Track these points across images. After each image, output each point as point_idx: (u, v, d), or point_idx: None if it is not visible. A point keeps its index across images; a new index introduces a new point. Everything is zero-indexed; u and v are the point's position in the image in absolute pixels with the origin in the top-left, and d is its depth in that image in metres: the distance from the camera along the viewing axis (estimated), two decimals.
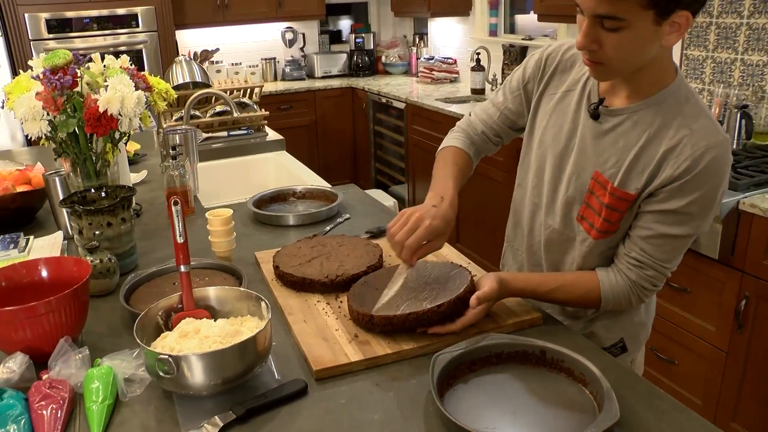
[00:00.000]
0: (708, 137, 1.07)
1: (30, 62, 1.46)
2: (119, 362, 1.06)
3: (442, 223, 1.17)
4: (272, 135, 2.99)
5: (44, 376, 1.05)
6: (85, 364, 1.07)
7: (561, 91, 1.26)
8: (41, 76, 1.39)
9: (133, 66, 1.57)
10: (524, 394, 1.02)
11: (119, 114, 1.42)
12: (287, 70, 5.22)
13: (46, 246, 1.63)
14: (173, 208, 1.15)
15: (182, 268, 1.14)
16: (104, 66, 1.55)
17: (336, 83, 5.06)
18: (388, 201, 4.15)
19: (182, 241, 1.15)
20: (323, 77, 5.28)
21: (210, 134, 2.85)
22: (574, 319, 1.33)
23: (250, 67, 5.15)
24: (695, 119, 1.09)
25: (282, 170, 2.71)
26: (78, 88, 1.45)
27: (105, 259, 1.38)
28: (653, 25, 1.00)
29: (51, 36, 3.99)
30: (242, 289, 1.16)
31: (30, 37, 3.90)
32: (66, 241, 1.67)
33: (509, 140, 1.45)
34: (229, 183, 2.73)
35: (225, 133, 2.87)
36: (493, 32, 4.22)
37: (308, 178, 2.42)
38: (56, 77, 1.38)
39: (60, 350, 1.05)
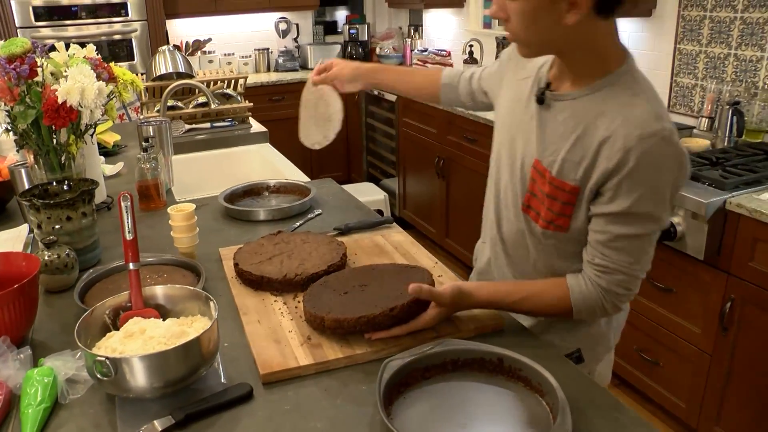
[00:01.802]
0: (642, 126, 1.01)
1: None
2: (62, 363, 1.03)
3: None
4: (256, 127, 2.95)
5: None
6: (25, 365, 1.03)
7: (519, 79, 1.24)
8: None
9: (98, 56, 1.53)
10: (478, 404, 0.98)
11: (80, 105, 1.38)
12: (280, 61, 5.17)
13: (9, 239, 1.60)
14: (122, 204, 1.12)
15: (131, 266, 1.11)
16: (69, 56, 1.50)
17: None
18: (379, 195, 4.11)
19: (131, 237, 1.11)
20: None
21: (193, 125, 2.81)
22: (527, 319, 1.28)
23: (242, 57, 5.10)
24: (633, 107, 1.04)
25: (265, 163, 2.67)
26: (39, 78, 1.41)
27: (63, 254, 1.34)
28: None
29: (39, 24, 3.94)
30: (191, 288, 1.12)
31: (17, 25, 3.85)
32: (32, 235, 1.63)
33: (476, 106, 1.50)
34: (212, 175, 2.70)
35: (208, 125, 2.83)
36: (487, 24, 4.17)
37: (289, 172, 2.38)
38: (12, 66, 1.34)
39: None
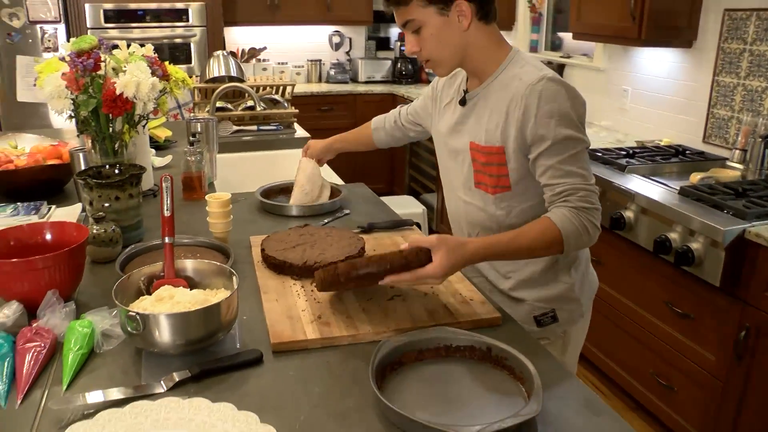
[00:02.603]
0: (531, 79, 1.30)
1: (61, 46, 1.59)
2: (99, 318, 1.17)
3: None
4: (300, 132, 3.10)
5: (34, 324, 1.16)
6: (69, 317, 1.18)
7: (445, 104, 1.56)
8: (67, 58, 1.51)
9: (155, 55, 1.69)
10: (464, 386, 1.07)
11: (134, 97, 1.53)
12: (332, 72, 5.35)
13: (64, 215, 1.77)
14: (163, 185, 1.26)
15: (166, 240, 1.24)
16: (129, 53, 1.67)
17: (378, 89, 5.16)
18: (418, 208, 4.21)
19: (168, 215, 1.25)
20: (366, 82, 5.39)
21: (241, 127, 2.98)
22: (504, 278, 1.51)
23: (295, 67, 5.31)
24: (523, 73, 1.34)
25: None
26: (101, 71, 1.57)
27: (109, 229, 1.50)
28: (440, 17, 1.31)
29: (108, 26, 4.22)
30: (218, 263, 1.25)
31: (88, 26, 4.13)
32: (84, 213, 1.80)
33: (416, 137, 1.86)
34: (254, 174, 2.85)
35: (255, 127, 3.00)
36: (533, 48, 4.25)
37: (325, 176, 2.51)
38: (80, 60, 1.50)
39: (47, 302, 1.17)
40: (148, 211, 1.85)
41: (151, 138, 2.63)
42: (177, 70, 1.72)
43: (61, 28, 4.03)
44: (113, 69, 1.63)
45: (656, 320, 2.44)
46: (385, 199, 4.41)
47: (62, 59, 1.55)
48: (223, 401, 0.96)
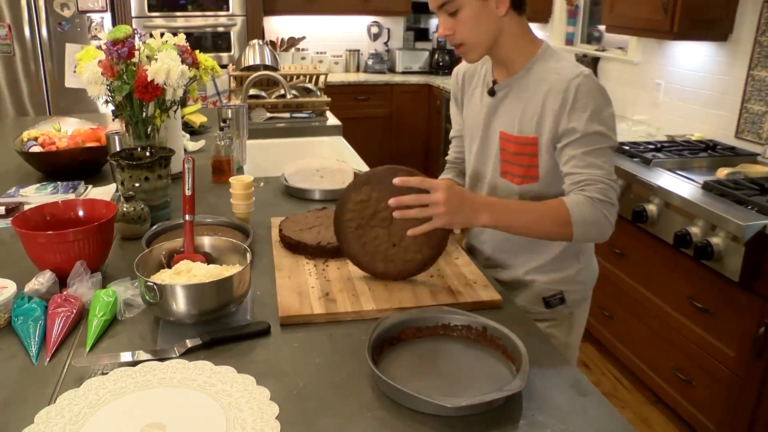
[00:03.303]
0: (570, 74, 1.34)
1: (99, 34, 1.69)
2: (123, 288, 1.26)
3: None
4: (332, 120, 3.17)
5: (64, 292, 1.26)
6: (96, 286, 1.27)
7: (471, 90, 1.58)
8: (103, 47, 1.61)
9: (186, 44, 1.78)
10: (457, 361, 1.12)
11: (164, 84, 1.62)
12: (369, 62, 5.41)
13: (100, 195, 1.88)
14: (185, 165, 1.34)
15: (187, 217, 1.33)
16: (162, 42, 1.76)
17: (414, 79, 5.20)
18: None
19: (190, 194, 1.33)
20: (403, 72, 5.43)
21: (275, 114, 3.07)
22: (519, 266, 1.55)
23: (334, 56, 5.39)
24: (560, 67, 1.38)
25: (335, 153, 2.88)
26: (135, 59, 1.67)
27: (138, 208, 1.59)
28: (479, 0, 1.33)
29: (152, 14, 4.37)
30: (233, 240, 1.33)
31: (133, 14, 4.29)
32: (118, 193, 1.90)
33: None
34: (286, 160, 2.92)
35: (288, 115, 3.08)
36: (569, 41, 4.22)
37: (354, 163, 2.58)
38: (115, 48, 1.60)
39: (76, 272, 1.27)
40: (176, 192, 1.95)
41: (186, 123, 2.75)
42: (206, 59, 1.81)
43: (107, 17, 4.20)
44: (147, 57, 1.73)
45: (677, 314, 2.43)
46: None
47: (99, 47, 1.65)
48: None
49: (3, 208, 1.72)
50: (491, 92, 1.48)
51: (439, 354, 1.14)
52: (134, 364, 1.02)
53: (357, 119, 5.09)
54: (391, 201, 1.25)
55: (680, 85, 3.22)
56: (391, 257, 1.34)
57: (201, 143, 2.50)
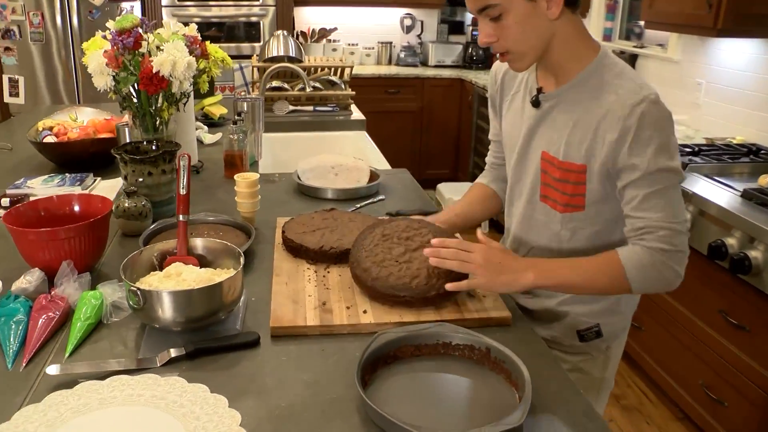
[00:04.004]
0: (632, 96, 1.14)
1: (107, 23, 1.65)
2: (111, 290, 1.21)
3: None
4: (356, 114, 3.09)
5: (53, 292, 1.22)
6: (83, 287, 1.22)
7: (511, 95, 1.39)
8: (108, 36, 1.56)
9: (198, 35, 1.72)
10: (456, 385, 1.04)
11: (170, 76, 1.57)
12: (402, 55, 5.31)
13: (107, 188, 1.84)
14: (180, 163, 1.28)
15: (181, 218, 1.27)
16: (172, 33, 1.70)
17: (446, 73, 5.09)
18: None
19: (184, 193, 1.27)
20: (436, 66, 5.32)
21: (297, 107, 3.00)
22: (550, 296, 1.36)
23: (366, 49, 5.30)
24: (620, 85, 1.17)
25: (357, 149, 2.81)
26: (142, 50, 1.61)
27: (140, 203, 1.54)
28: (528, 2, 1.13)
29: (184, 3, 4.34)
30: (227, 243, 1.26)
31: (163, 4, 4.27)
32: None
33: None
34: (306, 155, 2.87)
35: (311, 108, 3.02)
36: (607, 36, 4.06)
37: (374, 159, 2.50)
38: (120, 38, 1.54)
39: (62, 272, 1.22)
40: None
41: (206, 115, 2.70)
42: (216, 50, 1.75)
43: (137, 5, 4.18)
44: (157, 47, 1.68)
45: (709, 329, 2.30)
46: (448, 185, 4.40)
47: (104, 37, 1.60)
48: (212, 381, 0.97)
49: (8, 200, 1.69)
50: (535, 103, 1.28)
51: (437, 376, 1.06)
52: (105, 376, 0.96)
53: (386, 113, 5.00)
54: (434, 241, 1.21)
55: (723, 85, 3.05)
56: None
57: (218, 136, 2.45)
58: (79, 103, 4.20)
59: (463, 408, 0.99)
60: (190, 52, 1.62)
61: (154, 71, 1.55)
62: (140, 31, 1.59)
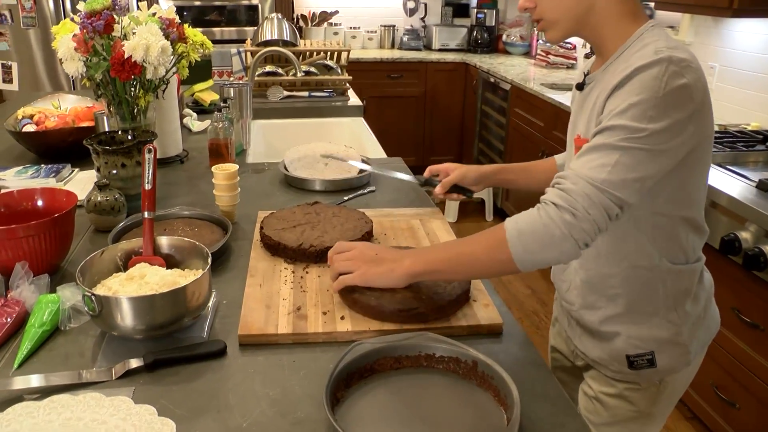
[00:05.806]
0: (647, 57, 1.00)
1: (78, 6, 1.55)
2: (70, 293, 1.12)
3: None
4: (354, 100, 2.99)
5: (9, 295, 1.13)
6: (40, 290, 1.13)
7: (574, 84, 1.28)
8: (77, 19, 1.46)
9: (176, 17, 1.62)
10: (439, 403, 0.94)
11: (143, 61, 1.47)
12: (405, 39, 5.18)
13: (86, 179, 1.75)
14: (146, 156, 1.18)
15: (146, 215, 1.18)
16: (148, 15, 1.60)
17: (450, 57, 4.96)
18: None
19: (149, 188, 1.18)
20: (440, 50, 5.19)
21: (292, 92, 2.90)
22: (590, 309, 1.22)
23: (368, 32, 5.17)
24: (641, 52, 1.03)
25: (353, 136, 2.70)
26: (116, 33, 1.51)
27: (112, 197, 1.45)
28: None
29: None
30: (194, 242, 1.17)
31: None
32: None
33: None
34: (301, 142, 2.77)
35: (306, 93, 2.91)
36: None
37: (370, 147, 2.40)
38: (90, 21, 1.45)
39: (16, 274, 1.13)
40: (168, 178, 1.82)
41: (196, 101, 2.61)
42: (195, 33, 1.65)
43: None
44: (133, 32, 1.58)
45: (721, 327, 2.18)
46: None
47: (72, 20, 1.50)
48: (168, 396, 0.89)
49: None
50: (579, 86, 1.21)
51: (418, 392, 0.96)
52: (44, 395, 0.87)
53: (389, 98, 4.88)
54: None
55: (737, 69, 2.91)
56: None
57: (207, 123, 2.35)
58: (74, 89, 4.11)
59: (446, 429, 0.89)
60: (166, 36, 1.52)
61: (125, 56, 1.45)
62: (111, 14, 1.49)
